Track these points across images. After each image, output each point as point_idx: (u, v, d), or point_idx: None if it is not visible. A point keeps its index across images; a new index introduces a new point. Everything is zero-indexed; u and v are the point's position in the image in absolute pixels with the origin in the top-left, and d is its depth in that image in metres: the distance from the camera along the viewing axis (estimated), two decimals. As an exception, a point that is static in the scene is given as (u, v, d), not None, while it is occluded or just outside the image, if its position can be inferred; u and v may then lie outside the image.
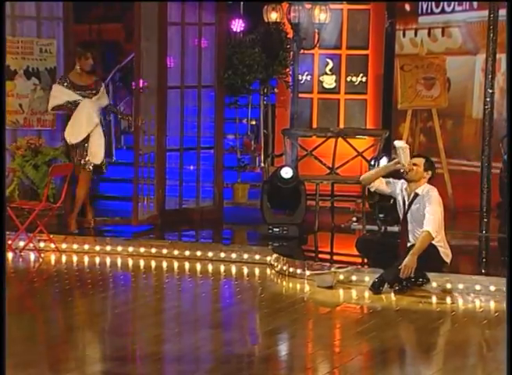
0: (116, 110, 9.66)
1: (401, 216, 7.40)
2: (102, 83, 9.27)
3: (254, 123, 11.84)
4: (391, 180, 7.52)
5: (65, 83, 9.02)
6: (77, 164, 9.04)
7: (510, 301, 5.92)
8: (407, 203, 7.35)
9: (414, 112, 11.07)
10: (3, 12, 7.58)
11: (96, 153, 9.05)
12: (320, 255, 8.73)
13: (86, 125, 8.97)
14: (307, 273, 7.73)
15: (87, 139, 9.05)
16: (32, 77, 9.68)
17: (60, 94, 9.03)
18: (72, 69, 9.20)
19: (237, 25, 10.79)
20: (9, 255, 8.52)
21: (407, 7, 11.49)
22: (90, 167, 9.09)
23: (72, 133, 8.99)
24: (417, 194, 7.30)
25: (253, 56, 10.35)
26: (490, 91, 10.28)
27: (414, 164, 7.31)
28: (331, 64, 11.85)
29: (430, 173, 7.37)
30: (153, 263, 8.38)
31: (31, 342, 5.87)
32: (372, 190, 7.62)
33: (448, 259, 7.30)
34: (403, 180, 7.45)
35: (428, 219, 7.15)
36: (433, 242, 7.17)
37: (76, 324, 6.33)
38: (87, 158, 9.03)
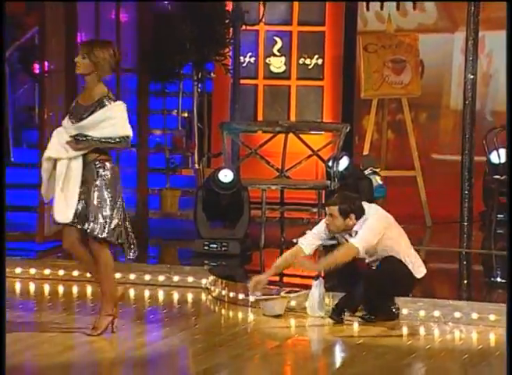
0: None
1: None
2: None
3: (186, 115, 11.84)
4: (316, 232, 7.38)
5: None
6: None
7: (509, 303, 5.99)
8: None
9: (381, 103, 11.18)
10: (3, 11, 7.77)
11: None
12: (267, 277, 8.75)
13: None
14: (252, 298, 7.72)
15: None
16: None
17: None
18: None
19: (164, -5, 10.81)
20: None
21: (372, -26, 11.63)
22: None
23: None
24: (357, 232, 7.23)
25: (184, 33, 10.36)
26: (471, 76, 10.42)
27: (330, 214, 7.22)
28: (279, 43, 11.92)
29: (353, 216, 7.19)
30: (61, 288, 8.32)
31: None
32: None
33: (421, 274, 7.34)
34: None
35: (359, 233, 7.15)
36: (401, 258, 7.21)
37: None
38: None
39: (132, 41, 10.11)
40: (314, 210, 9.92)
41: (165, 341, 6.99)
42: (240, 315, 7.60)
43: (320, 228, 7.39)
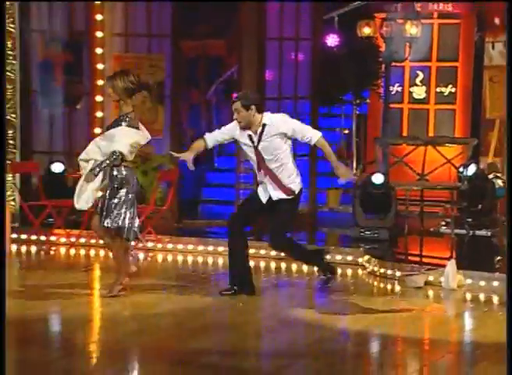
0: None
1: (252, 153, 6.68)
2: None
3: (346, 131, 11.72)
4: (224, 130, 6.77)
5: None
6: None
7: (510, 300, 5.68)
8: (255, 137, 6.65)
9: (502, 122, 10.76)
10: (3, 11, 7.16)
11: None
12: (410, 257, 8.55)
13: None
14: (398, 273, 7.58)
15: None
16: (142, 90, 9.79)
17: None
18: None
19: (332, 40, 10.72)
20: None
21: (497, 20, 11.22)
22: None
23: None
24: (264, 125, 6.62)
25: (346, 69, 10.27)
26: None
27: (235, 109, 6.60)
28: (421, 76, 11.66)
29: (253, 107, 6.53)
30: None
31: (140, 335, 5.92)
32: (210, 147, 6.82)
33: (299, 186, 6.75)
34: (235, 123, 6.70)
35: (301, 129, 6.62)
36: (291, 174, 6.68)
37: (178, 319, 6.34)
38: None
39: (306, 75, 10.07)
40: (448, 206, 9.66)
41: (329, 305, 6.92)
42: (389, 286, 7.45)
43: (227, 127, 6.77)
